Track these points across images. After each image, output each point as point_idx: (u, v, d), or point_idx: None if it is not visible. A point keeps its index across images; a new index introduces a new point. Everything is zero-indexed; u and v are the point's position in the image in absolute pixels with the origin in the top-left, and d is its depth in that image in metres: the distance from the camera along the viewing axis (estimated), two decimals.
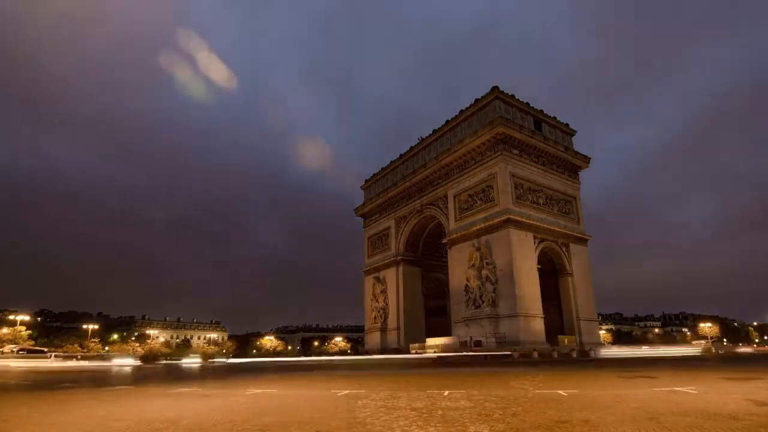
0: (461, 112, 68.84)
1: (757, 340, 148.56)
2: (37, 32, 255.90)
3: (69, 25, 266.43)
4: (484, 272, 58.51)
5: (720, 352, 74.95)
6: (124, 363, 59.93)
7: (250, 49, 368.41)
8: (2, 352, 63.96)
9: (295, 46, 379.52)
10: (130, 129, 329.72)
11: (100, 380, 25.26)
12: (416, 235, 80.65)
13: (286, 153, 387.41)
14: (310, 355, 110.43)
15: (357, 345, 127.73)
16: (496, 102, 63.02)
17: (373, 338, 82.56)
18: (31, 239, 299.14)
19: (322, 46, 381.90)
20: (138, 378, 27.34)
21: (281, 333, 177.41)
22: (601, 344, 66.99)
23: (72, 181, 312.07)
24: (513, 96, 64.83)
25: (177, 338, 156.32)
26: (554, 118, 69.70)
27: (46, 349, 70.41)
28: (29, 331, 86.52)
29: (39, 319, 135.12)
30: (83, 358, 69.04)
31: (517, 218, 57.87)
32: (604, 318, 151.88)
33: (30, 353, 62.72)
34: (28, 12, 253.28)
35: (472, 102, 66.87)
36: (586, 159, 70.36)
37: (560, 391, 12.21)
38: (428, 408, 9.50)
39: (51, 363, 53.09)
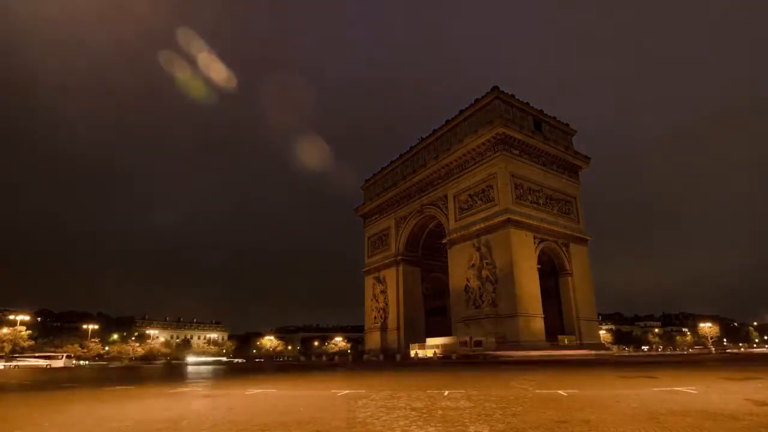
0: (461, 112, 68.82)
1: (757, 340, 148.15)
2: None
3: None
4: (484, 272, 58.52)
5: None
6: None
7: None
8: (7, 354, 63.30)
9: None
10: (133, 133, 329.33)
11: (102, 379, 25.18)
12: (416, 235, 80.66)
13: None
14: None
15: (357, 345, 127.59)
16: (496, 102, 63.03)
17: (373, 338, 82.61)
18: (31, 239, 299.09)
19: None
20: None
21: (281, 333, 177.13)
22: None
23: (72, 182, 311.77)
24: (513, 96, 64.84)
25: (177, 338, 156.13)
26: (554, 118, 69.71)
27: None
28: (29, 331, 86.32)
29: (39, 319, 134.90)
30: None
31: (517, 218, 57.87)
32: (604, 318, 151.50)
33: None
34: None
35: (472, 102, 66.87)
36: (587, 159, 70.39)
37: (560, 391, 12.20)
38: (428, 408, 9.49)
39: None
